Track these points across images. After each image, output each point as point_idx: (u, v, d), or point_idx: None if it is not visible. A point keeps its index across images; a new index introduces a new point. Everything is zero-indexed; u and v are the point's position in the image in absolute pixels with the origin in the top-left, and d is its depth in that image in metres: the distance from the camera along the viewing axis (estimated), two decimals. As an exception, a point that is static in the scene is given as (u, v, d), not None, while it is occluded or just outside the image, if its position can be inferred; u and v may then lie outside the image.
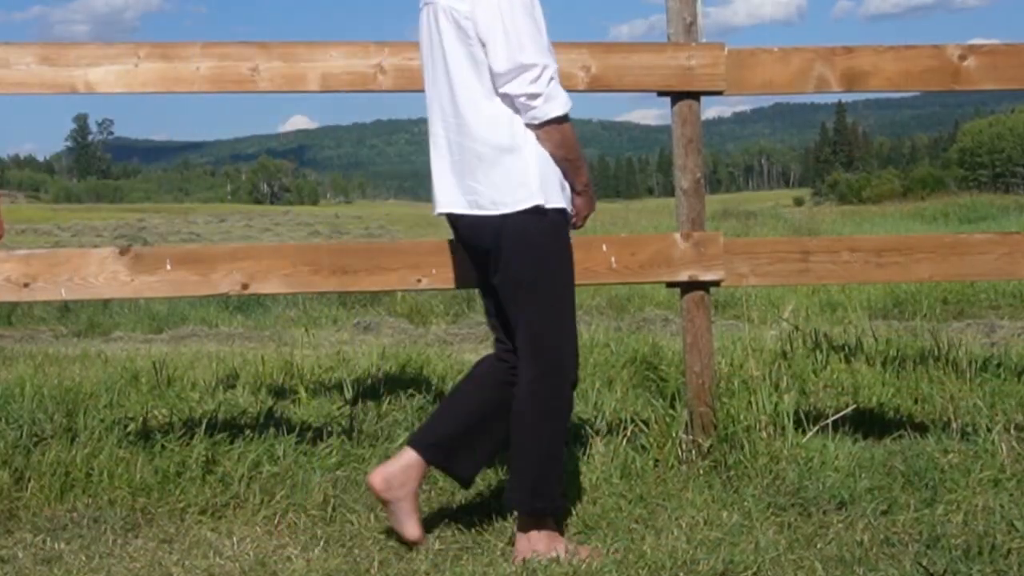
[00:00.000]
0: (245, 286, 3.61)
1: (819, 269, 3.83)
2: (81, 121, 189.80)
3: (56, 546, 3.12)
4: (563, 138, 2.91)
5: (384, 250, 3.72)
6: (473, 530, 3.19)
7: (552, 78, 2.86)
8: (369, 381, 4.80)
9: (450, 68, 2.94)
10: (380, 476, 3.06)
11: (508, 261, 2.93)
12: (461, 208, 2.99)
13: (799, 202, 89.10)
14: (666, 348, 5.67)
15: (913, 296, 9.43)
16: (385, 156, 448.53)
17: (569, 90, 3.72)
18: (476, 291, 3.42)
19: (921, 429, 3.88)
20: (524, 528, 2.96)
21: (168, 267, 3.58)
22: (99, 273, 3.55)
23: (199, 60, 3.58)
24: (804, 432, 3.73)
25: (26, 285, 3.53)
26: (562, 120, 2.89)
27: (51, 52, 3.56)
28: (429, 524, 3.25)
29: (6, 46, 3.55)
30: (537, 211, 2.89)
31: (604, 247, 3.72)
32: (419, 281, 3.66)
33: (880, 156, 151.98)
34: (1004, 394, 4.24)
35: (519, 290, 2.95)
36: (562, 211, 2.96)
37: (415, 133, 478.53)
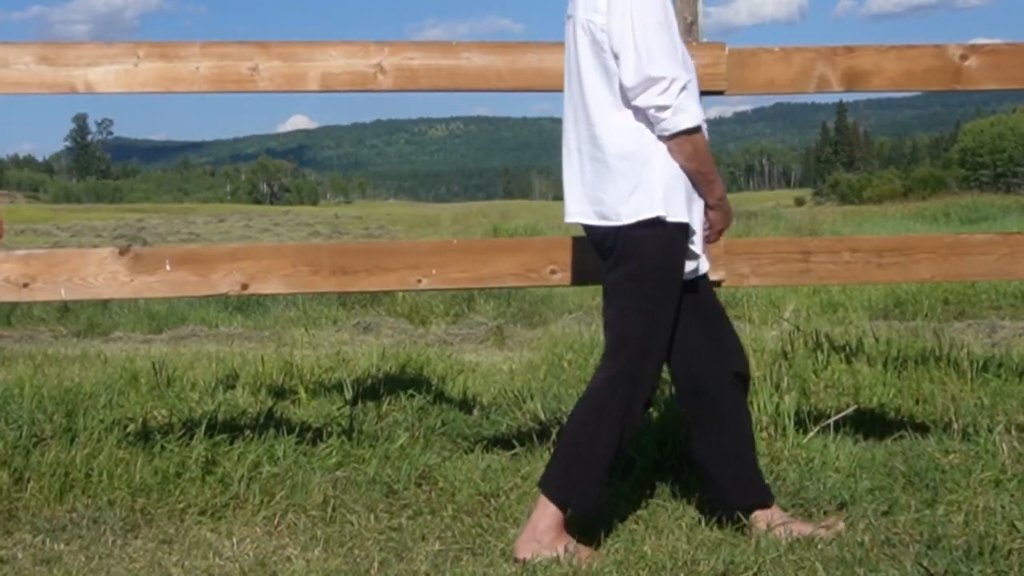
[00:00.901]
0: (245, 286, 3.60)
1: (820, 269, 3.83)
2: (80, 121, 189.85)
3: (55, 547, 3.12)
4: (694, 151, 2.92)
5: (384, 250, 3.71)
6: (473, 531, 3.19)
7: (683, 89, 2.87)
8: (369, 381, 4.80)
9: (583, 79, 2.99)
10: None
11: (617, 263, 2.96)
12: (588, 219, 3.02)
13: (800, 202, 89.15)
14: (666, 348, 5.66)
15: (914, 296, 9.43)
16: (385, 156, 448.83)
17: (569, 90, 3.71)
18: (476, 292, 3.41)
19: (922, 430, 3.87)
20: (539, 514, 2.94)
21: (168, 267, 3.57)
22: (98, 273, 3.55)
23: (198, 60, 3.58)
24: (805, 432, 3.73)
25: (25, 285, 3.52)
26: (692, 132, 2.90)
27: (50, 52, 3.56)
28: (429, 525, 3.25)
29: (5, 46, 3.54)
30: (657, 223, 2.91)
31: (604, 247, 3.71)
32: (419, 281, 3.66)
33: (881, 156, 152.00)
34: (1005, 394, 4.23)
35: (620, 293, 2.97)
36: (684, 227, 2.96)
37: (415, 133, 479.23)
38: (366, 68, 3.64)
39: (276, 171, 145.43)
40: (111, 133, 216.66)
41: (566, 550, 2.89)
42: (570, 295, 10.23)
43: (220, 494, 3.45)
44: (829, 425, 3.77)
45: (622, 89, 2.90)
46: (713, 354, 3.09)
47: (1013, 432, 3.64)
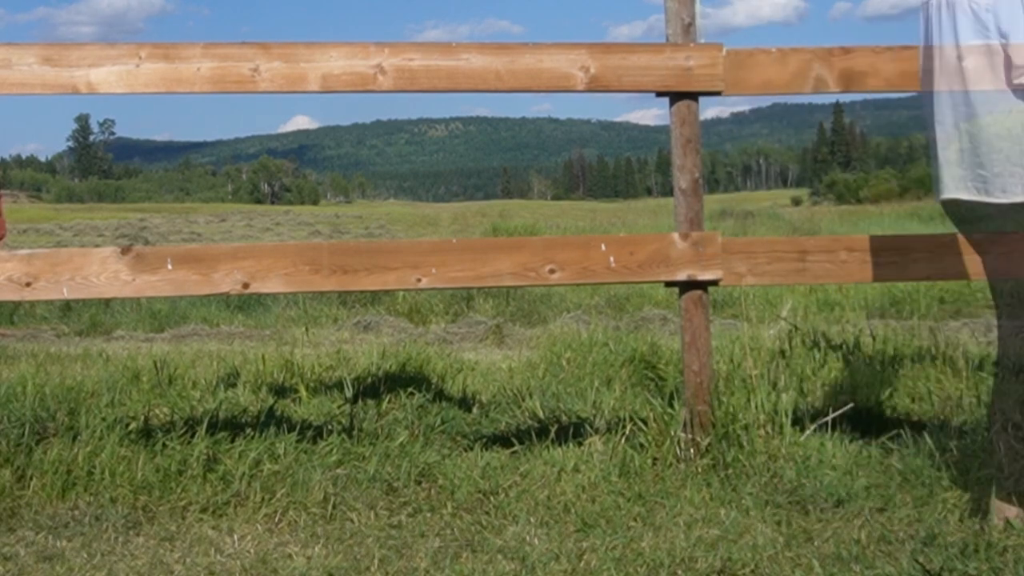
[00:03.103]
0: (246, 285, 3.62)
1: (816, 269, 3.85)
2: (83, 121, 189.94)
3: (58, 544, 3.14)
4: None
5: (384, 249, 3.73)
6: (472, 528, 3.21)
7: None
8: (369, 380, 4.82)
9: (964, 59, 3.07)
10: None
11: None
12: (969, 194, 3.11)
13: (797, 202, 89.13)
14: (664, 347, 5.70)
15: (910, 295, 9.45)
16: (385, 156, 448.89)
17: (568, 91, 3.76)
18: (475, 291, 3.43)
19: (918, 427, 3.89)
20: None
21: (169, 266, 3.60)
22: (101, 272, 3.57)
23: (200, 60, 3.60)
24: (802, 430, 3.74)
25: (28, 284, 3.55)
26: None
27: (53, 52, 3.58)
28: (429, 522, 3.27)
29: (8, 46, 3.56)
30: None
31: (603, 246, 3.74)
32: (419, 280, 3.68)
33: (877, 156, 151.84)
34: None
35: None
36: None
37: (415, 133, 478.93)
38: (366, 69, 3.67)
39: (277, 171, 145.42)
40: (113, 133, 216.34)
41: None
42: (569, 294, 10.24)
43: (221, 491, 3.47)
44: (826, 423, 3.79)
45: (1007, 67, 2.99)
46: None
47: (1009, 430, 3.66)
